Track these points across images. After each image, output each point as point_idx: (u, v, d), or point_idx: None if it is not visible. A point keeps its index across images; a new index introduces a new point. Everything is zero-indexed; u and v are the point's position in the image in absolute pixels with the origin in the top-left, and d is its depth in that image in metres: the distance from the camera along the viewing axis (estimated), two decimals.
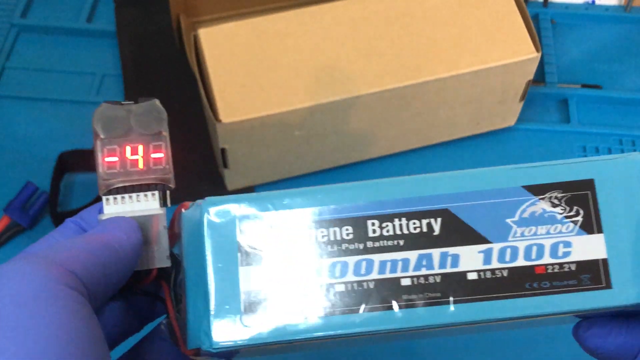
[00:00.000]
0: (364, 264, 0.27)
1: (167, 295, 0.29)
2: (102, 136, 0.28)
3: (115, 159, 0.28)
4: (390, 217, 0.27)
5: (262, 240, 0.27)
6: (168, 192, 0.29)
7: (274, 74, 0.53)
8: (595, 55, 0.67)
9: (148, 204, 0.28)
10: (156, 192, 0.29)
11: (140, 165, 0.28)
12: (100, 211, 0.29)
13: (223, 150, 0.54)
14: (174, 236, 0.29)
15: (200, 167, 0.59)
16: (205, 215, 0.27)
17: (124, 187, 0.28)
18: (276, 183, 0.59)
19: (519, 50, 0.54)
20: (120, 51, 0.64)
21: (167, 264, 0.29)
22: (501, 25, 0.55)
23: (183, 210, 0.29)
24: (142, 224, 0.28)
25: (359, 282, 0.27)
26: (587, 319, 0.29)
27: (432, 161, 0.60)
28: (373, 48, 0.54)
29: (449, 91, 0.55)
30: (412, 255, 0.27)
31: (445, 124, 0.59)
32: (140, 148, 0.28)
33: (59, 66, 0.65)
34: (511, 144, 0.62)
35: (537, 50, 0.54)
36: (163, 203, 0.29)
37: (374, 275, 0.27)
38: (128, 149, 0.28)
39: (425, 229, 0.27)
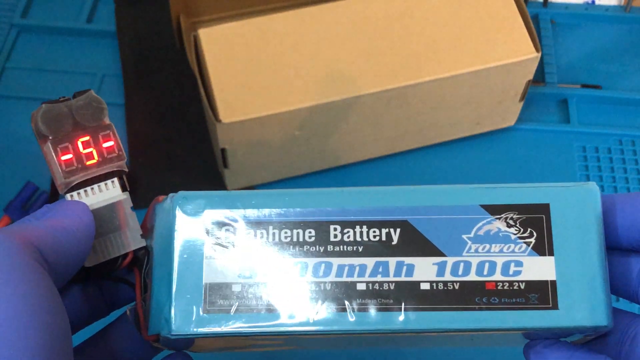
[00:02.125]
0: (322, 266, 0.28)
1: (138, 281, 0.30)
2: (50, 136, 0.28)
3: (70, 156, 0.28)
4: (352, 224, 0.29)
5: (228, 236, 0.29)
6: (124, 177, 0.30)
7: (274, 74, 0.53)
8: (595, 55, 0.67)
9: (110, 192, 0.29)
10: (115, 179, 0.29)
11: (95, 157, 0.29)
12: None
13: (223, 150, 0.54)
14: (147, 229, 0.30)
15: (200, 167, 0.59)
16: (177, 208, 0.29)
17: (83, 181, 0.29)
18: (276, 183, 0.59)
19: (519, 50, 0.54)
20: (120, 51, 0.64)
21: (142, 243, 0.30)
22: (501, 25, 0.55)
23: (157, 202, 0.30)
24: (108, 211, 0.29)
25: (317, 283, 0.28)
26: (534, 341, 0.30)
27: (432, 161, 0.60)
28: (373, 48, 0.54)
29: (449, 91, 0.55)
30: (370, 262, 0.28)
31: (445, 124, 0.59)
32: (91, 140, 0.29)
33: (59, 66, 0.65)
34: (511, 144, 0.62)
35: (537, 50, 0.54)
36: (123, 188, 0.30)
37: (332, 277, 0.28)
38: (79, 143, 0.28)
39: (384, 238, 0.28)
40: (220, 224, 0.29)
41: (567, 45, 0.67)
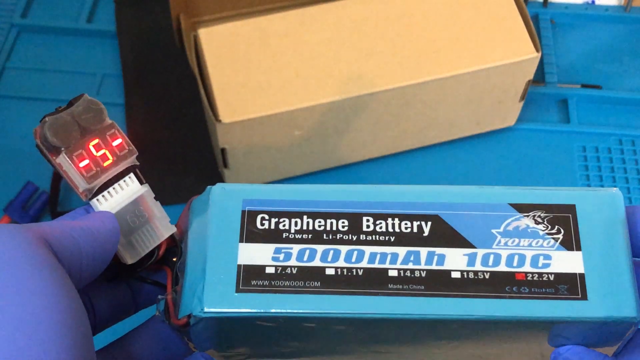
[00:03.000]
0: (355, 253, 0.29)
1: (169, 275, 0.30)
2: (63, 147, 0.28)
3: (86, 161, 0.28)
4: (384, 216, 0.30)
5: (263, 223, 0.30)
6: (138, 170, 0.30)
7: (274, 74, 0.53)
8: (595, 55, 0.67)
9: (130, 189, 0.29)
10: (131, 175, 0.29)
11: (110, 157, 0.29)
12: None
13: (223, 150, 0.54)
14: (181, 230, 0.31)
15: (200, 167, 0.59)
16: (213, 194, 0.30)
17: (103, 185, 0.29)
18: (276, 183, 0.59)
19: (519, 50, 0.54)
20: (120, 51, 0.64)
21: (172, 229, 0.30)
22: (501, 25, 0.55)
23: (194, 199, 0.31)
24: (135, 207, 0.29)
25: (349, 269, 0.29)
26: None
27: (432, 161, 0.60)
28: (373, 48, 0.54)
29: (449, 91, 0.55)
30: (401, 251, 0.29)
31: (445, 124, 0.59)
32: (100, 142, 0.29)
33: (59, 66, 0.65)
34: (511, 144, 0.62)
35: (537, 50, 0.54)
36: (141, 181, 0.30)
37: (363, 264, 0.29)
38: (91, 147, 0.28)
39: (415, 230, 0.29)
40: (255, 213, 0.30)
41: (567, 45, 0.67)
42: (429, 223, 0.30)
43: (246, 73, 0.53)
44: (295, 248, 0.29)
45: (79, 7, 0.68)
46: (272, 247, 0.29)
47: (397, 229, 0.29)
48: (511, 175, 0.60)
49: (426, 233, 0.29)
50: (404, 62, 0.54)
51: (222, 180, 0.57)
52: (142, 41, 0.65)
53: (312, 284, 0.29)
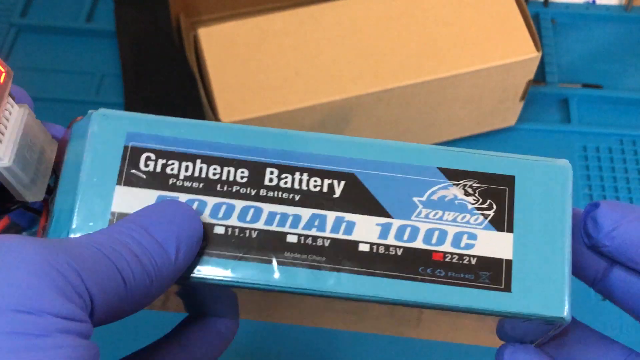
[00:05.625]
0: (251, 210, 0.25)
1: (45, 209, 0.26)
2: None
3: None
4: (291, 170, 0.25)
5: (148, 164, 0.25)
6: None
7: (274, 74, 0.53)
8: (595, 55, 0.67)
9: (14, 117, 0.25)
10: (13, 102, 0.25)
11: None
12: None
13: None
14: (61, 154, 0.27)
15: None
16: (94, 124, 0.26)
17: None
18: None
19: (519, 50, 0.54)
20: (120, 51, 0.64)
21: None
22: (501, 25, 0.55)
23: (75, 122, 0.27)
24: (26, 139, 0.25)
25: (241, 229, 0.25)
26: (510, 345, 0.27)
27: None
28: (373, 48, 0.54)
29: (449, 91, 0.55)
30: (305, 213, 0.25)
31: (445, 124, 0.58)
32: None
33: (59, 66, 0.65)
34: (511, 143, 0.61)
35: (538, 50, 0.54)
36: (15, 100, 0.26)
37: (259, 224, 0.25)
38: None
39: (325, 190, 0.25)
40: (141, 150, 0.25)
41: (567, 45, 0.67)
42: (342, 183, 0.25)
43: (246, 73, 0.53)
44: (182, 198, 0.25)
45: (79, 7, 0.68)
46: (154, 193, 0.25)
47: (304, 187, 0.25)
48: None
49: (337, 194, 0.25)
50: (404, 62, 0.54)
51: None
52: (141, 41, 0.65)
53: None
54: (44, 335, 0.19)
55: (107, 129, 0.25)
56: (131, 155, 0.25)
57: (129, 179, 0.25)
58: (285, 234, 0.25)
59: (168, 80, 0.63)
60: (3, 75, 0.24)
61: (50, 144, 0.26)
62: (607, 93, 0.63)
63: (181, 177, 0.25)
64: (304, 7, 0.56)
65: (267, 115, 0.51)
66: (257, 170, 0.25)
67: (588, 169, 0.60)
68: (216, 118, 0.51)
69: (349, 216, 0.25)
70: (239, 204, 0.25)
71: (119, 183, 0.25)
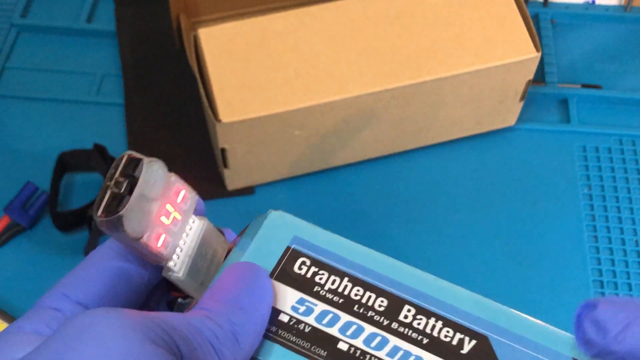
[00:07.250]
0: (378, 338, 0.26)
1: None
2: (143, 235, 0.24)
3: (163, 237, 0.24)
4: (428, 313, 0.26)
5: (301, 267, 0.27)
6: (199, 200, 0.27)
7: (274, 74, 0.53)
8: (595, 55, 0.67)
9: (194, 231, 0.26)
10: (194, 217, 0.26)
11: (179, 216, 0.25)
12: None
13: (223, 150, 0.54)
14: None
15: (200, 167, 0.59)
16: (270, 218, 0.28)
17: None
18: (276, 183, 0.59)
19: (519, 50, 0.54)
20: (120, 51, 0.64)
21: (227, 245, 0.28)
22: (501, 25, 0.55)
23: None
24: (201, 250, 0.26)
25: (363, 352, 0.26)
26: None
27: (432, 161, 0.60)
28: (373, 48, 0.54)
29: (449, 91, 0.55)
30: (428, 357, 0.25)
31: (445, 124, 0.59)
32: (169, 206, 0.25)
33: (59, 66, 0.65)
34: (511, 144, 0.62)
35: (537, 50, 0.54)
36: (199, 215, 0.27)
37: (381, 354, 0.26)
38: (163, 219, 0.24)
39: (455, 342, 0.26)
40: (300, 254, 0.27)
41: (567, 45, 0.67)
42: (473, 342, 0.25)
43: (246, 73, 0.53)
44: (320, 306, 0.26)
45: (79, 7, 0.68)
46: (298, 295, 0.26)
47: (435, 333, 0.26)
48: (511, 176, 0.60)
49: (465, 350, 0.25)
50: (404, 62, 0.54)
51: (221, 180, 0.57)
52: (141, 41, 0.65)
53: (318, 351, 0.25)
54: None
55: (280, 227, 0.28)
56: (290, 256, 0.27)
57: (280, 275, 0.27)
58: None
59: (168, 80, 0.63)
60: (189, 202, 0.25)
61: (222, 245, 0.28)
62: (606, 93, 0.63)
63: (326, 287, 0.27)
64: (304, 7, 0.56)
65: (267, 115, 0.52)
66: (396, 304, 0.26)
67: (587, 169, 0.60)
68: (216, 118, 0.51)
69: None
70: (369, 329, 0.26)
71: (271, 276, 0.27)
